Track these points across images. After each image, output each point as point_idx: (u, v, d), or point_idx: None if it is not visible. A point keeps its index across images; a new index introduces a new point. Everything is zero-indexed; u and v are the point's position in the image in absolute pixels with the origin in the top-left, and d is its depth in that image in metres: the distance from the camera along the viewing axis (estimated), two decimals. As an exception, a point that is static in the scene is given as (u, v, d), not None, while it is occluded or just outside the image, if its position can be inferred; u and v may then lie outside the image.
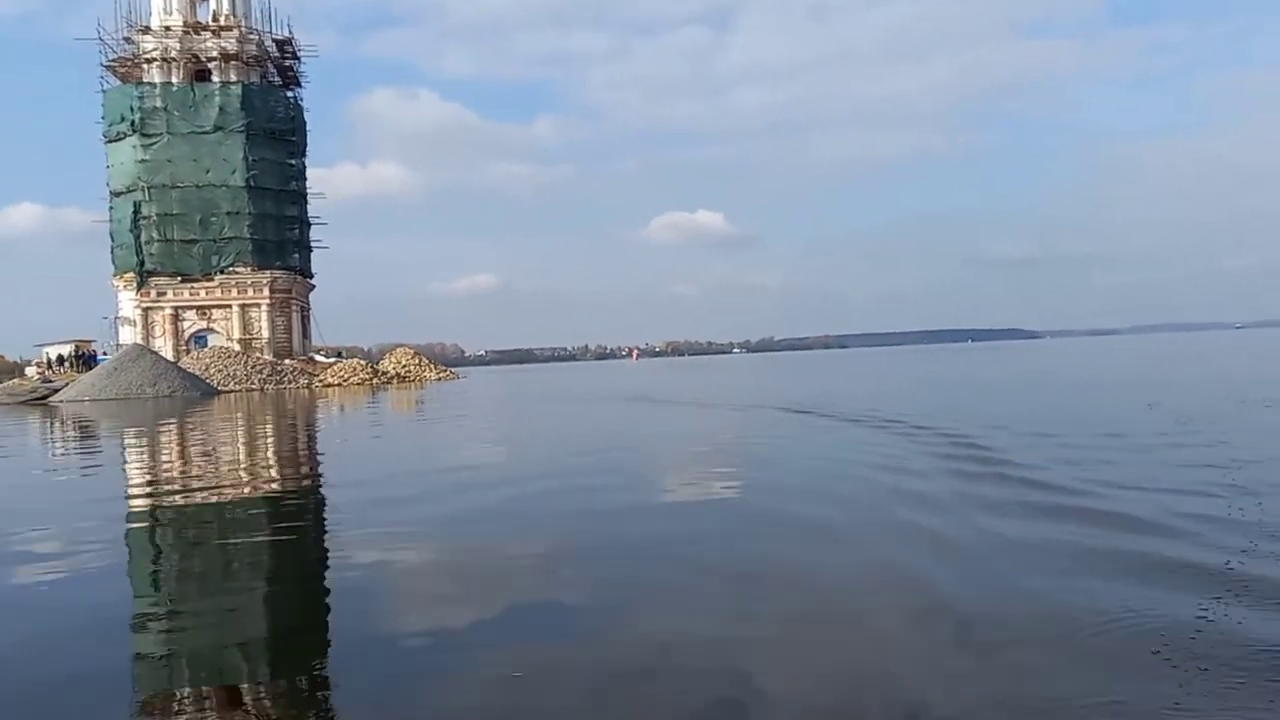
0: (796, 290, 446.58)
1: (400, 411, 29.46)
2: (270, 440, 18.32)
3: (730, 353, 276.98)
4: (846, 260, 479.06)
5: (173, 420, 26.22)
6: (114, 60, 66.16)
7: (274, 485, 10.62)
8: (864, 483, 8.39)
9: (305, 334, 70.57)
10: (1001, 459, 9.36)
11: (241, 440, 18.42)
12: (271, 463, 13.80)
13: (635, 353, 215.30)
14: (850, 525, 6.59)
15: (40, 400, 52.24)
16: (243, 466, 13.08)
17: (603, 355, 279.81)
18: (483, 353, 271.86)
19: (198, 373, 55.77)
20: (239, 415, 28.03)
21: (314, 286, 72.46)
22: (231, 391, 55.09)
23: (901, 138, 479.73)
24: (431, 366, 68.62)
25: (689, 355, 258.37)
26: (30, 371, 64.58)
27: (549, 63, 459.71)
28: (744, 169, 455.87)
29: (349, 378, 61.10)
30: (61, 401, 50.14)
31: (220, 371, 58.05)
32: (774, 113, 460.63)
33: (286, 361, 63.30)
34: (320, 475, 12.13)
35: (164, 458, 15.23)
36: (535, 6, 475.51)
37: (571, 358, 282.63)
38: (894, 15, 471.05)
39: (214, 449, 16.04)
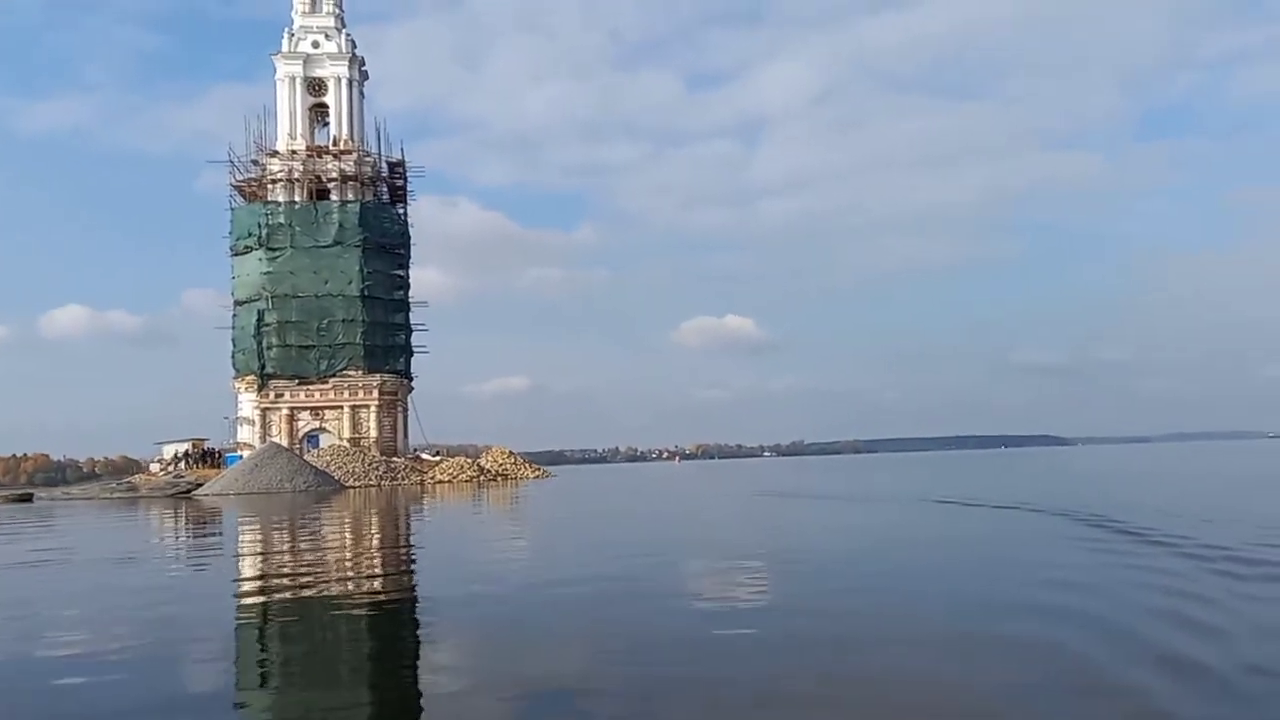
0: (825, 395, 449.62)
1: (598, 506, 33.33)
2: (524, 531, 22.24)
3: (760, 455, 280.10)
4: (874, 366, 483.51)
5: (342, 512, 30.39)
6: (241, 181, 72.15)
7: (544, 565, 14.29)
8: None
9: (406, 433, 74.84)
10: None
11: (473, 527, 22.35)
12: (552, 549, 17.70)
13: (677, 456, 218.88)
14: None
15: (184, 494, 56.27)
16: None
17: (634, 457, 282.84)
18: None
19: (320, 469, 59.83)
20: (416, 508, 32.07)
21: (413, 389, 76.92)
22: (353, 487, 58.99)
23: (931, 247, 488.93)
24: (527, 465, 72.69)
25: (719, 458, 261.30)
26: (154, 468, 68.93)
27: (584, 173, 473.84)
28: (773, 276, 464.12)
29: (457, 475, 65.11)
30: (207, 495, 54.10)
31: (340, 468, 61.97)
32: (801, 221, 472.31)
33: (396, 459, 67.37)
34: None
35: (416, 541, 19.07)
36: (569, 120, 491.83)
37: (602, 459, 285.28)
38: (920, 128, 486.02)
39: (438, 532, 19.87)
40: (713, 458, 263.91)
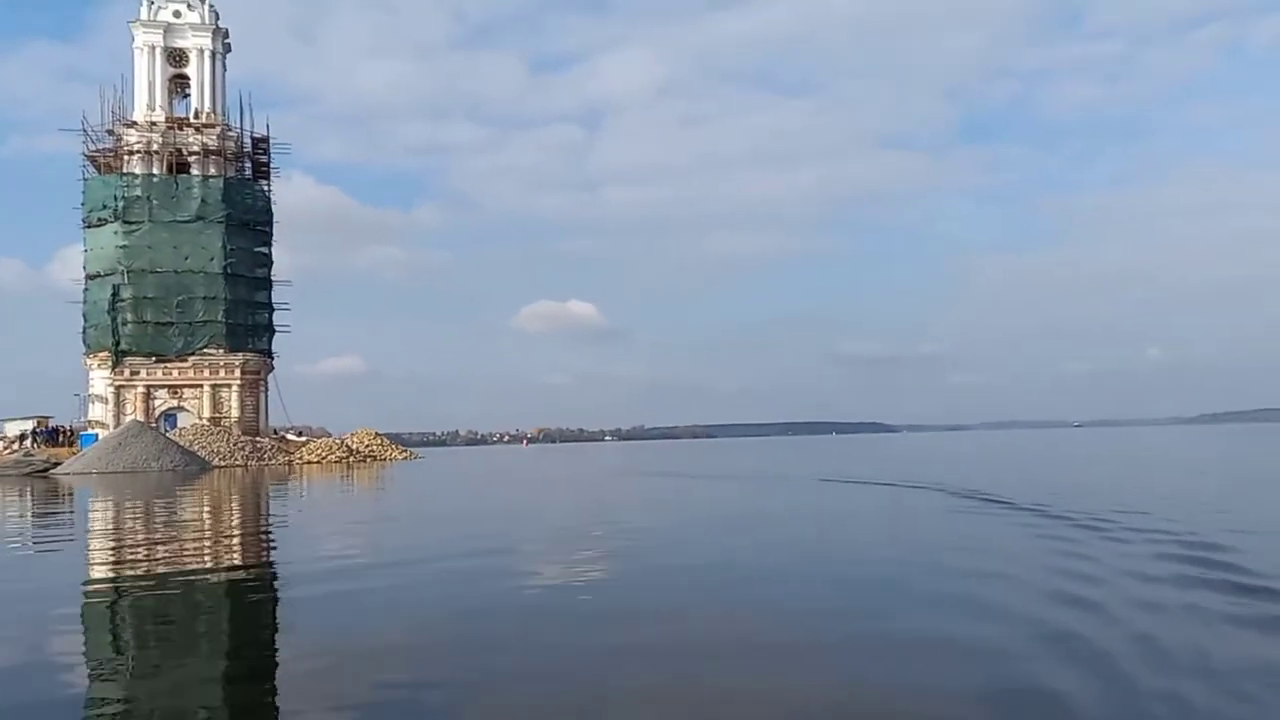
0: (665, 381, 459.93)
1: (511, 489, 34.76)
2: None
3: (602, 440, 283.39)
4: (713, 353, 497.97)
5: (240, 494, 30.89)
6: (96, 151, 69.54)
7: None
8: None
9: (267, 413, 73.86)
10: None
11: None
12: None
13: (525, 440, 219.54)
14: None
15: (40, 473, 54.41)
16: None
17: (474, 440, 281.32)
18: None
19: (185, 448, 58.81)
20: (289, 488, 32.91)
21: (274, 368, 75.89)
22: (220, 467, 58.28)
23: (768, 239, 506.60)
24: (395, 447, 73.17)
25: (561, 442, 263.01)
26: (-3, 446, 65.80)
27: (426, 153, 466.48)
28: (616, 263, 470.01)
29: (326, 455, 65.11)
30: (67, 474, 52.54)
31: (205, 448, 60.97)
32: (643, 210, 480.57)
33: (260, 439, 66.72)
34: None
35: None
36: (409, 98, 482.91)
37: (441, 442, 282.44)
38: (757, 124, 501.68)
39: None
40: (554, 441, 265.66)
